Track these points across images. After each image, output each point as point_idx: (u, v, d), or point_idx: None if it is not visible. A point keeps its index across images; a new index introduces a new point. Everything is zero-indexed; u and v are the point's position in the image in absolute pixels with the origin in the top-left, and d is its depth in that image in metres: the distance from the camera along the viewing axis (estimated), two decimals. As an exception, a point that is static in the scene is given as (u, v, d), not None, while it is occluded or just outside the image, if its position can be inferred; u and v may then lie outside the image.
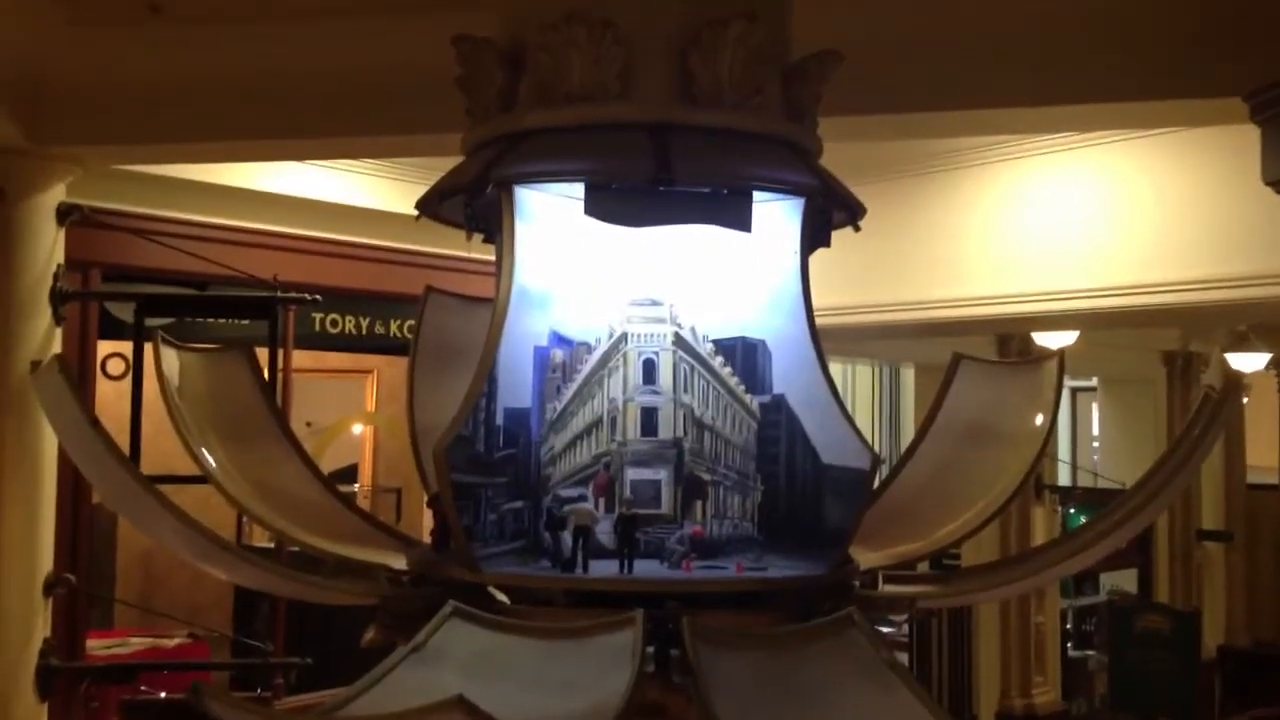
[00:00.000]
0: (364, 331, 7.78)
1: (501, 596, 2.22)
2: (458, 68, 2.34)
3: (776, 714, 1.88)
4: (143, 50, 4.93)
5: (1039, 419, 2.64)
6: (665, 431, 2.24)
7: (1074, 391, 16.92)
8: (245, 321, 7.17)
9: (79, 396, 2.13)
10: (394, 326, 7.85)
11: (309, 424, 10.51)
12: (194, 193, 6.38)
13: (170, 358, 2.53)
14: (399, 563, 2.38)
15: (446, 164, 2.39)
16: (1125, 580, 15.30)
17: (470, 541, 2.13)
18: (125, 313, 6.32)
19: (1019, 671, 12.82)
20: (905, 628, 11.52)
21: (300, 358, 7.60)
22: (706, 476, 2.24)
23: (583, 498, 2.21)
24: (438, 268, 6.44)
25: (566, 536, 2.18)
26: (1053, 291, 7.29)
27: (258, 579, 2.41)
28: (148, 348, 3.38)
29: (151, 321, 5.77)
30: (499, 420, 2.20)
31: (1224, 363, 13.83)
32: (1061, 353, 2.67)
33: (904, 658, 12.48)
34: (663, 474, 2.24)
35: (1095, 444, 17.30)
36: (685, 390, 2.26)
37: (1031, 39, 4.39)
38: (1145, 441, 14.85)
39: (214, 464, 2.43)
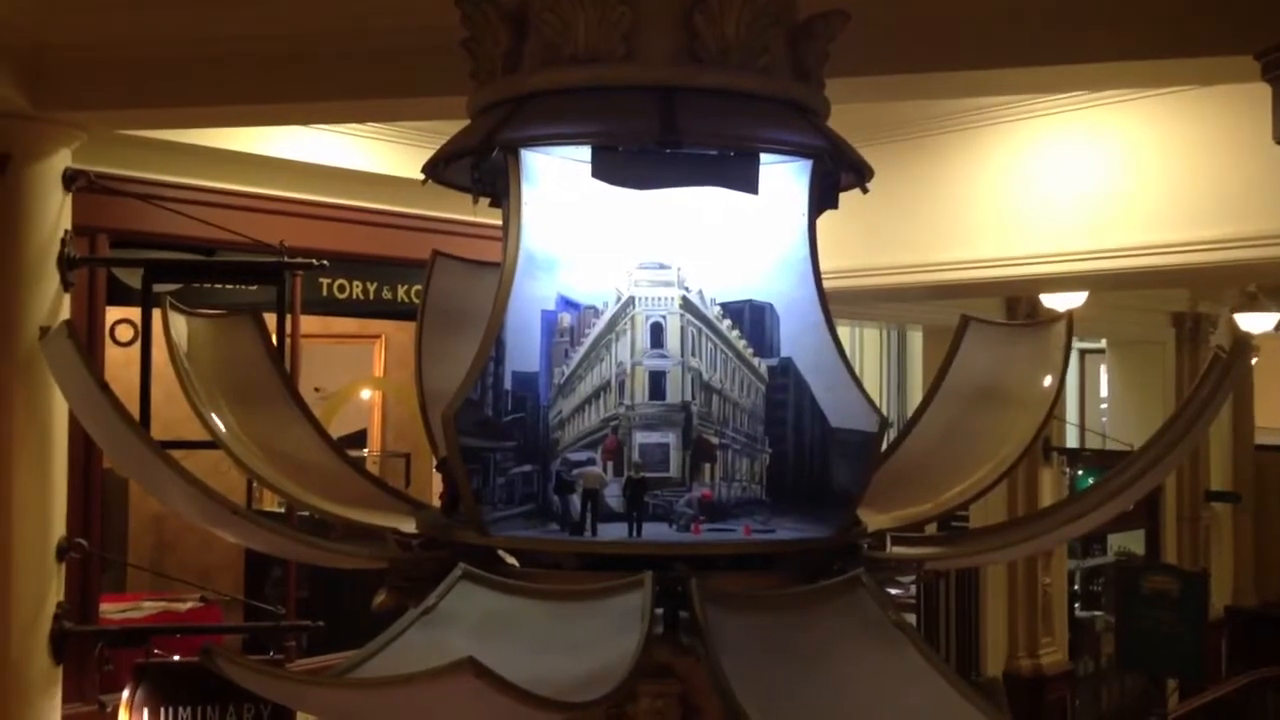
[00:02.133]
0: (372, 296, 7.77)
1: (511, 559, 2.23)
2: (462, 30, 2.32)
3: (784, 675, 1.89)
4: (147, 14, 4.89)
5: (1047, 381, 2.64)
6: (673, 395, 2.25)
7: (1082, 353, 16.89)
8: (253, 287, 7.16)
9: (88, 362, 2.13)
10: (402, 291, 7.84)
11: (317, 389, 10.54)
12: (200, 158, 6.36)
13: (179, 323, 2.53)
14: (408, 526, 2.39)
15: (453, 128, 2.38)
16: (1133, 541, 15.33)
17: (479, 505, 2.14)
18: (133, 278, 6.31)
19: (1026, 632, 12.89)
20: (913, 589, 11.58)
21: (308, 323, 7.61)
22: (715, 440, 2.25)
23: (591, 461, 2.22)
24: (445, 232, 6.43)
25: (575, 500, 2.19)
26: (1061, 253, 7.25)
27: (268, 543, 2.42)
28: (156, 314, 3.38)
29: (159, 287, 5.77)
30: (507, 384, 2.20)
31: (1233, 323, 13.78)
32: (1070, 314, 2.66)
33: (911, 619, 12.55)
34: (671, 437, 2.25)
35: (1103, 406, 17.28)
36: (693, 354, 2.26)
37: (1040, -2, 4.34)
38: (1154, 403, 14.83)
39: (223, 429, 2.44)
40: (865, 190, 2.40)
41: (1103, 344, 16.28)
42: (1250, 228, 6.18)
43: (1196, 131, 6.65)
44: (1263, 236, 5.98)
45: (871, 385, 14.49)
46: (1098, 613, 14.40)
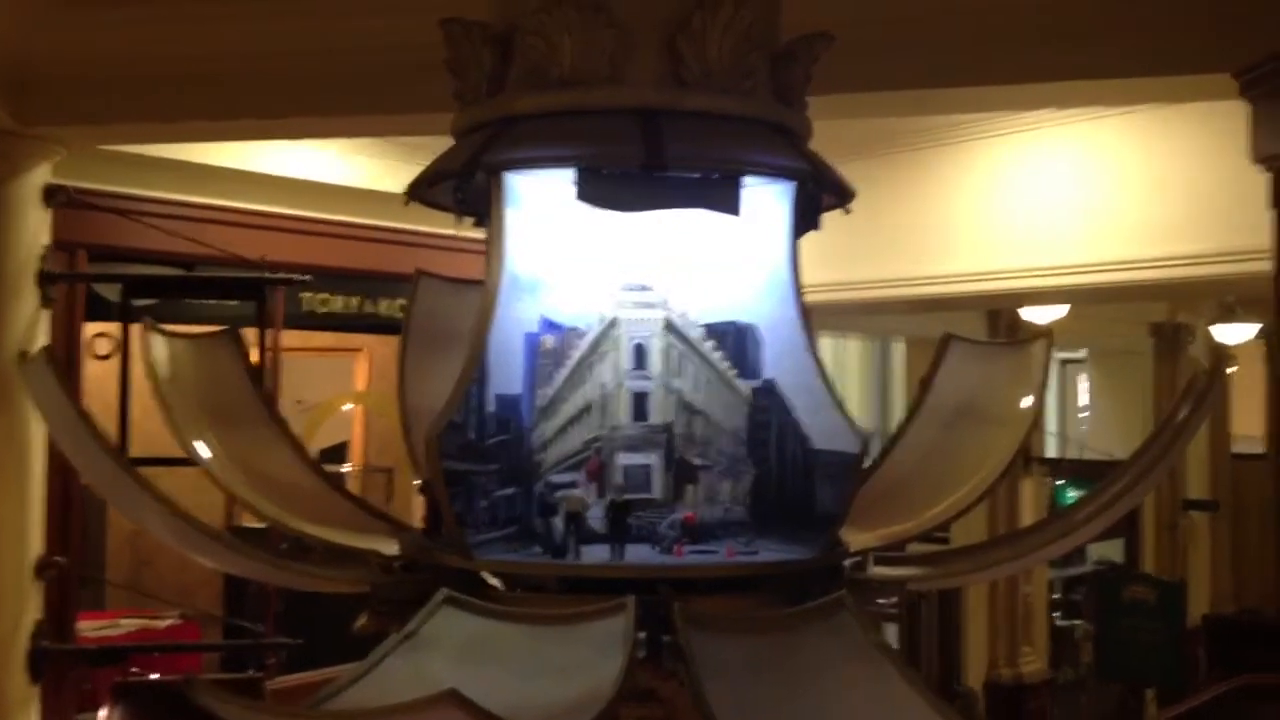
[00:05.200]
0: (354, 310, 7.77)
1: (495, 581, 2.22)
2: (446, 51, 2.32)
3: (768, 698, 1.89)
4: (129, 29, 4.89)
5: (1027, 400, 2.65)
6: (656, 416, 2.24)
7: (1063, 363, 17.00)
8: (233, 302, 7.14)
9: (67, 388, 2.12)
10: (384, 305, 7.84)
11: (299, 402, 10.49)
12: (180, 173, 6.36)
13: (158, 345, 2.52)
14: (390, 548, 2.38)
15: (436, 143, 2.38)
16: (1112, 550, 15.42)
17: (462, 528, 2.14)
18: (112, 293, 6.28)
19: (1007, 641, 12.95)
20: (897, 598, 11.59)
21: (289, 336, 7.58)
22: (698, 461, 2.25)
23: (574, 484, 2.22)
24: (427, 246, 6.42)
25: (558, 522, 2.19)
26: (1042, 267, 7.31)
27: (247, 568, 2.41)
28: (135, 331, 3.37)
29: (138, 302, 5.74)
30: (490, 407, 2.20)
31: (1211, 336, 13.88)
32: (1049, 333, 2.68)
33: (894, 629, 12.58)
34: (654, 459, 2.24)
35: (1083, 415, 17.38)
36: (676, 375, 2.26)
37: (1022, 15, 4.38)
38: (1133, 412, 14.95)
39: (204, 451, 2.43)
40: (847, 211, 2.41)
41: (1083, 354, 16.40)
42: (1228, 243, 6.24)
43: (1176, 147, 6.71)
44: (1240, 251, 6.04)
45: (855, 396, 14.57)
46: (1078, 621, 14.48)
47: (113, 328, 7.61)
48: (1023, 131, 7.35)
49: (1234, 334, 13.44)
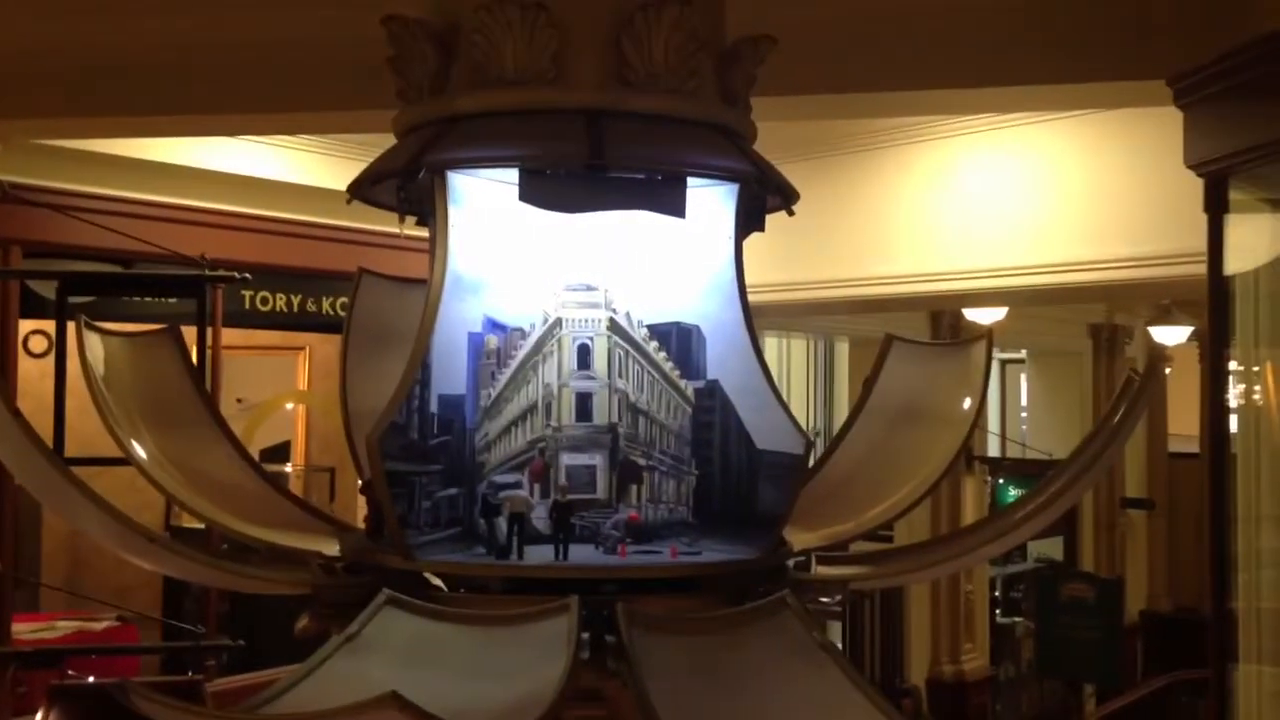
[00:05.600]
0: (295, 309, 7.69)
1: (438, 582, 2.21)
2: (389, 49, 2.30)
3: (710, 698, 1.90)
4: (65, 22, 4.80)
5: (968, 400, 2.68)
6: (600, 417, 2.24)
7: (1003, 364, 17.21)
8: (172, 300, 7.04)
9: (1, 387, 2.07)
10: (326, 304, 7.77)
11: (240, 400, 10.36)
12: (119, 168, 6.26)
13: (94, 343, 2.48)
14: (332, 549, 2.35)
15: (379, 140, 2.36)
16: (1052, 548, 15.64)
17: (405, 529, 2.12)
18: (48, 290, 6.17)
19: (949, 638, 13.09)
20: (841, 597, 11.67)
21: (230, 335, 7.50)
22: (641, 462, 2.25)
23: (518, 484, 2.21)
24: (369, 244, 6.37)
25: (502, 523, 2.18)
26: (982, 269, 7.40)
27: (186, 570, 2.37)
28: (71, 327, 3.31)
29: (75, 300, 5.65)
30: (433, 407, 2.18)
31: (1148, 336, 14.14)
32: (990, 335, 2.71)
33: (838, 627, 12.67)
34: (598, 459, 2.24)
35: (1024, 415, 17.61)
36: (620, 376, 2.26)
37: (961, 22, 4.43)
38: (1072, 412, 15.17)
39: (142, 452, 2.39)
40: (791, 213, 2.42)
41: (1023, 354, 16.61)
42: (1165, 246, 6.35)
43: (1113, 152, 6.82)
44: (1176, 254, 6.15)
45: (800, 396, 14.64)
46: (1018, 619, 14.66)
47: (48, 325, 7.48)
48: (964, 135, 7.43)
49: (1170, 335, 13.70)
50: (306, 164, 6.82)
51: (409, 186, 2.25)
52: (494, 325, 2.26)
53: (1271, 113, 3.80)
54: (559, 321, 2.26)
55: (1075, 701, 11.96)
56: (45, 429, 5.93)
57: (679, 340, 2.29)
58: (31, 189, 5.73)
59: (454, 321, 2.21)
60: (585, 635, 1.92)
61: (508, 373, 2.25)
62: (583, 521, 2.21)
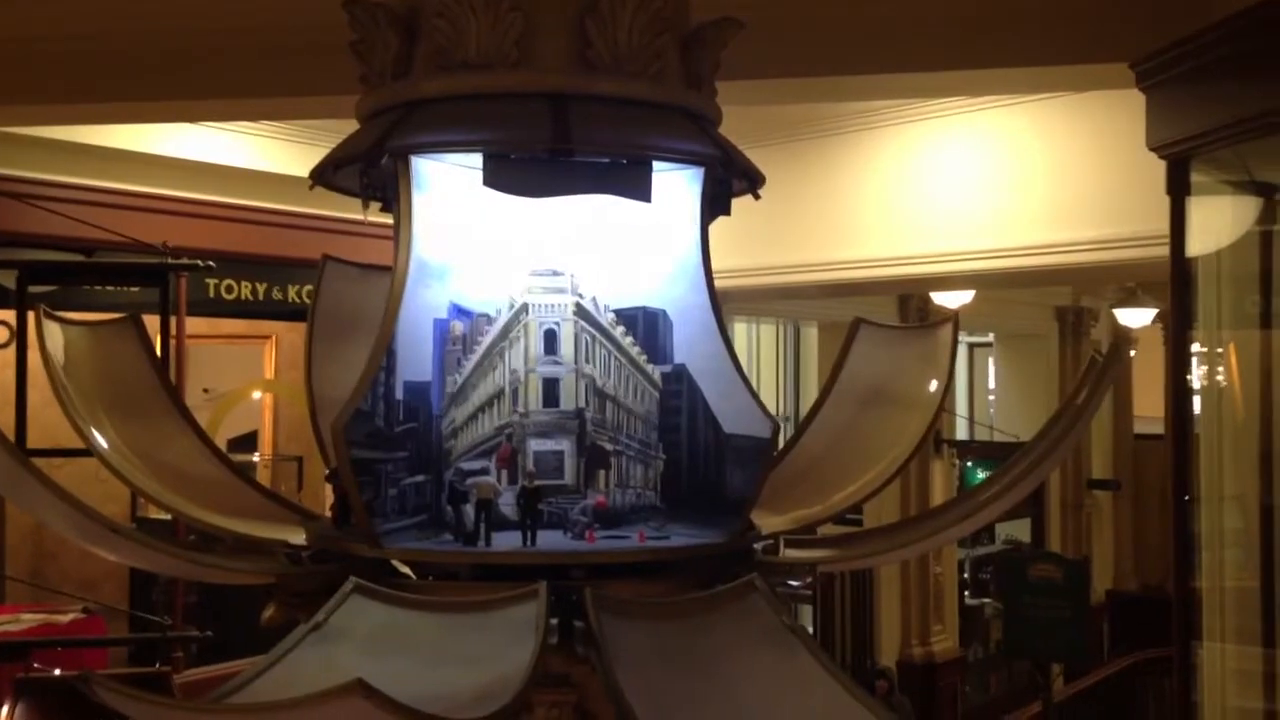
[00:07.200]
0: (261, 297, 7.63)
1: (405, 570, 2.20)
2: (351, 32, 2.28)
3: (679, 682, 1.90)
4: (20, 7, 4.72)
5: (935, 383, 2.69)
6: (567, 402, 2.24)
7: (970, 347, 17.31)
8: (135, 288, 6.96)
9: (-43, 376, 2.04)
10: (292, 292, 7.71)
11: (206, 390, 10.28)
12: (79, 155, 6.17)
13: (54, 332, 2.45)
14: (298, 538, 2.34)
15: (343, 126, 2.34)
16: (1020, 529, 15.77)
17: (371, 517, 2.11)
18: (8, 280, 6.09)
19: (919, 620, 13.19)
20: (810, 580, 11.73)
21: (195, 324, 7.42)
22: (609, 447, 2.24)
23: (485, 470, 2.20)
24: (334, 231, 6.33)
25: (469, 510, 2.17)
26: (949, 253, 7.43)
27: (151, 561, 2.35)
28: (31, 319, 3.26)
29: (35, 289, 5.58)
30: (399, 394, 2.17)
31: (1113, 318, 14.25)
32: (955, 319, 2.72)
33: (808, 610, 12.74)
34: (565, 445, 2.24)
35: (991, 398, 17.73)
36: (587, 360, 2.25)
37: (926, 6, 4.44)
38: (1039, 394, 15.28)
39: (104, 443, 2.37)
40: (758, 197, 2.42)
41: (990, 338, 16.72)
42: (1129, 229, 6.40)
43: (1078, 135, 6.86)
44: (1140, 237, 6.19)
45: (768, 380, 14.68)
46: (986, 600, 14.77)
47: (9, 315, 7.39)
48: (931, 119, 7.46)
49: (1135, 318, 13.82)
50: (269, 150, 6.76)
51: (372, 172, 2.23)
52: (460, 311, 2.25)
53: (1232, 95, 3.83)
54: (525, 307, 2.25)
55: (1044, 681, 12.07)
56: (7, 420, 5.86)
57: (646, 325, 2.29)
58: (-10, 177, 5.66)
59: (419, 308, 2.19)
60: (554, 620, 1.92)
61: (474, 359, 2.24)
62: (551, 507, 2.21)
